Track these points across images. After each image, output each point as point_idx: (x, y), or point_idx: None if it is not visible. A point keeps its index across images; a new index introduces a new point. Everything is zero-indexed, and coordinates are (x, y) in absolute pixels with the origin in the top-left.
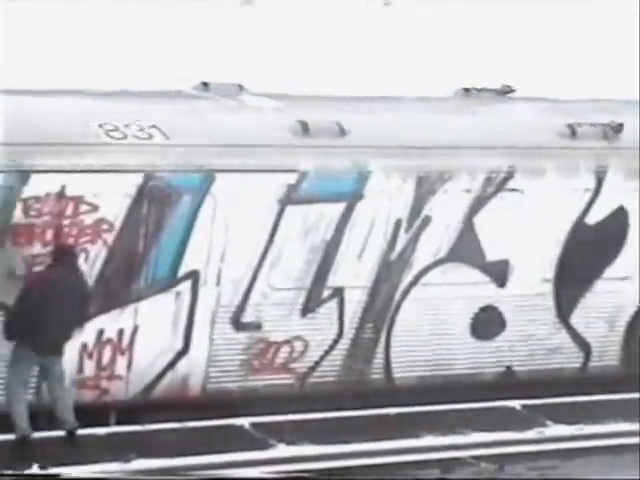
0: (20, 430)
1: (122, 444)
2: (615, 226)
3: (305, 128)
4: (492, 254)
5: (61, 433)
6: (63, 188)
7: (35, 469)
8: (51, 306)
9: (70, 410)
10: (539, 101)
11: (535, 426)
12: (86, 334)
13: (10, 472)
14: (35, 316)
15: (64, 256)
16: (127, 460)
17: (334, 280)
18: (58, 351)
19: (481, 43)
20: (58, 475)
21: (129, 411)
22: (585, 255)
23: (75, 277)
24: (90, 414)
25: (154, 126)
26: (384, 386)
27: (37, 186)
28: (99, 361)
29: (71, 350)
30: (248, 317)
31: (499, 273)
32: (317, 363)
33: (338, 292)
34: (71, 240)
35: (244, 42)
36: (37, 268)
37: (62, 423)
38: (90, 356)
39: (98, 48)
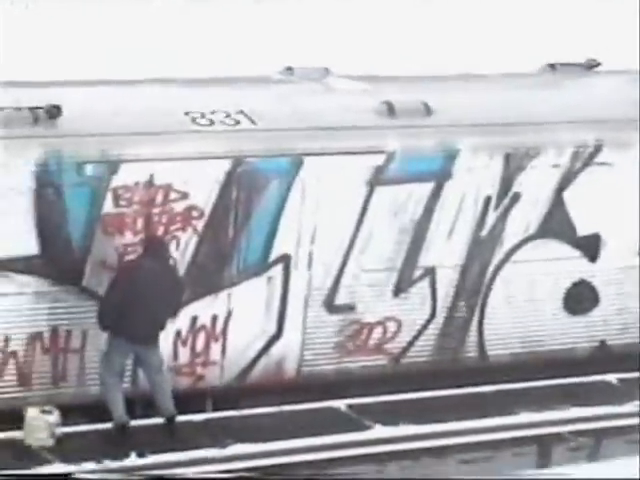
0: (117, 419)
1: (219, 430)
2: None
3: (391, 109)
4: (583, 229)
5: (159, 420)
6: (152, 177)
7: (133, 457)
8: (144, 296)
9: (168, 397)
10: (625, 74)
11: (632, 400)
12: (180, 321)
13: (10, 472)
14: (128, 306)
15: (155, 247)
16: (224, 445)
17: (425, 260)
18: (153, 340)
19: (564, 17)
20: (58, 475)
21: (225, 397)
22: None
23: (166, 267)
24: (186, 401)
25: (241, 112)
26: (478, 364)
27: (126, 175)
28: (193, 348)
29: (166, 337)
30: (341, 299)
31: (590, 247)
32: (410, 343)
33: (429, 272)
34: (161, 228)
35: (327, 25)
36: (128, 258)
37: (160, 410)
38: (184, 343)
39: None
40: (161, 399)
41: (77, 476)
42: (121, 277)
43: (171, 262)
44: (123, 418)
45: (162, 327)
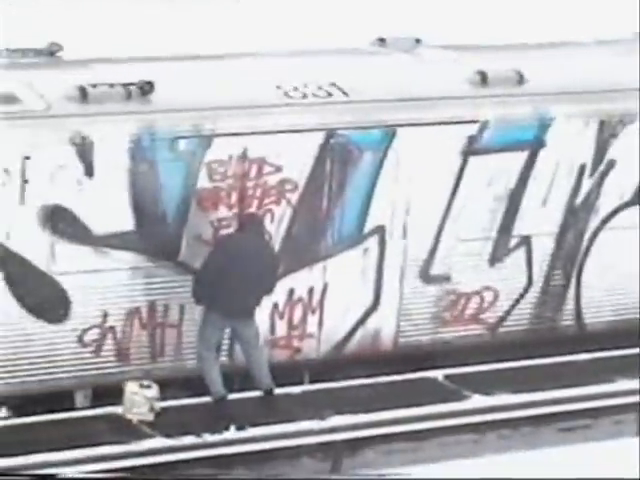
0: (215, 393)
1: (317, 402)
2: None
3: (484, 78)
4: None
5: (257, 393)
6: (245, 150)
7: (232, 431)
8: (239, 271)
9: (266, 370)
10: None
11: None
12: (277, 294)
13: (10, 472)
14: (223, 281)
15: (250, 223)
16: (323, 417)
17: (520, 228)
18: (248, 315)
19: None
20: (59, 475)
21: (322, 369)
22: None
23: (262, 243)
24: (284, 373)
25: (333, 84)
26: (575, 332)
27: (220, 150)
28: (290, 320)
29: (263, 311)
30: (436, 270)
31: None
32: (507, 312)
33: (525, 240)
34: (255, 202)
35: None
36: (224, 233)
37: (258, 384)
38: (281, 316)
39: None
40: (258, 373)
41: (81, 476)
42: (216, 252)
43: (266, 237)
44: (221, 392)
45: (258, 302)
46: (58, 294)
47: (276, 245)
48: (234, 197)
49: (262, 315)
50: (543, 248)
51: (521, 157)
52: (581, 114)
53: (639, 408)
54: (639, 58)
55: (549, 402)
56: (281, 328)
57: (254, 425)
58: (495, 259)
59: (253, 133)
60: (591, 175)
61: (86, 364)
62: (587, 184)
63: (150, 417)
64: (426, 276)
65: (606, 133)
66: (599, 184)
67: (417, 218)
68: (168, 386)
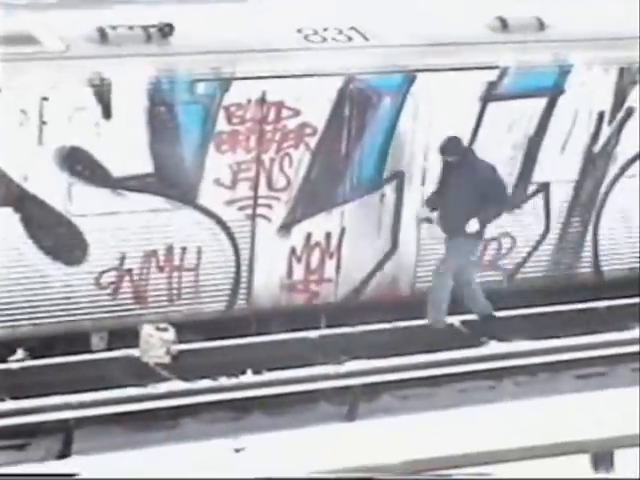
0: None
1: (333, 346)
2: None
3: (504, 24)
4: None
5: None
6: (264, 94)
7: (249, 374)
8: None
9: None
10: None
11: None
12: (294, 238)
13: (9, 472)
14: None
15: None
16: (339, 362)
17: (539, 175)
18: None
19: None
20: (60, 475)
21: (339, 313)
22: None
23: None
24: (301, 318)
25: (353, 28)
26: (593, 279)
27: (239, 93)
28: (308, 265)
29: (280, 254)
30: None
31: None
32: (525, 259)
33: (543, 187)
34: (274, 145)
35: None
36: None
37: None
38: (299, 260)
39: None
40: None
41: (82, 476)
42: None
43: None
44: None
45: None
46: (75, 236)
47: (294, 190)
48: (253, 141)
49: (279, 258)
50: (561, 195)
51: (540, 104)
52: (600, 61)
53: None
54: None
55: (566, 349)
56: (298, 272)
57: (270, 369)
58: (513, 205)
59: (272, 77)
60: (610, 122)
61: (103, 306)
62: (606, 132)
63: (166, 360)
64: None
65: (625, 80)
66: (618, 132)
67: (436, 164)
68: (185, 329)
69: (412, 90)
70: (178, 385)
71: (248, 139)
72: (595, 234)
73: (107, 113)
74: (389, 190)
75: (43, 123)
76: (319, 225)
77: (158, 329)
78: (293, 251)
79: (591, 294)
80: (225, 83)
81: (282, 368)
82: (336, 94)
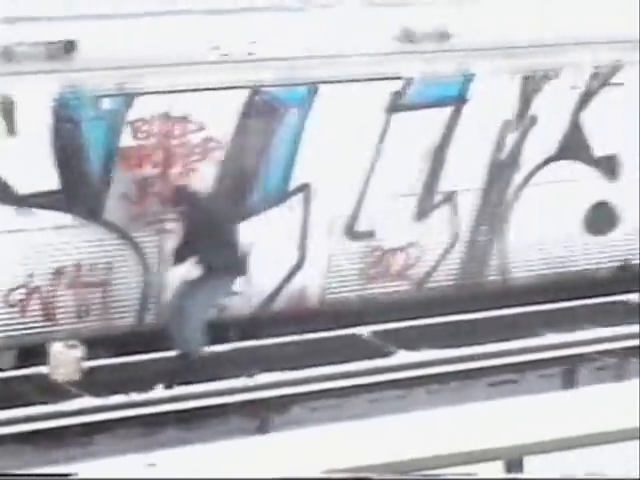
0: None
1: (244, 359)
2: None
3: (408, 34)
4: (601, 149)
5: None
6: (169, 109)
7: (160, 389)
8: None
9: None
10: None
11: None
12: None
13: (9, 472)
14: None
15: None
16: (250, 375)
17: (445, 185)
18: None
19: None
20: (56, 475)
21: (249, 326)
22: None
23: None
24: (211, 331)
25: (254, 42)
26: (501, 288)
27: (143, 108)
28: None
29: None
30: (362, 226)
31: (609, 168)
32: (433, 268)
33: (450, 196)
34: (180, 160)
35: None
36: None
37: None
38: None
39: None
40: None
41: (79, 477)
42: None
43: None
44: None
45: None
46: None
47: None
48: (159, 155)
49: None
50: (468, 204)
51: (445, 113)
52: (504, 70)
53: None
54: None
55: (476, 357)
56: None
57: (181, 384)
58: (421, 215)
59: (176, 91)
60: (515, 130)
61: (11, 324)
62: (511, 139)
63: (77, 377)
64: (351, 233)
65: (529, 89)
66: (522, 139)
67: (342, 175)
68: (95, 345)
69: (316, 101)
70: (89, 402)
71: (154, 154)
72: (503, 242)
73: (11, 130)
74: (296, 202)
75: None
76: None
77: (67, 346)
78: None
79: (500, 302)
80: (129, 98)
81: (193, 382)
82: (241, 107)
